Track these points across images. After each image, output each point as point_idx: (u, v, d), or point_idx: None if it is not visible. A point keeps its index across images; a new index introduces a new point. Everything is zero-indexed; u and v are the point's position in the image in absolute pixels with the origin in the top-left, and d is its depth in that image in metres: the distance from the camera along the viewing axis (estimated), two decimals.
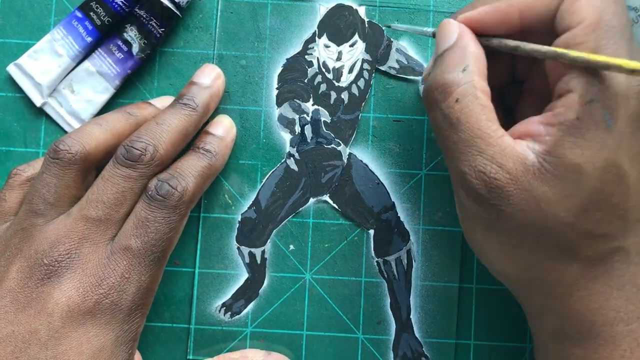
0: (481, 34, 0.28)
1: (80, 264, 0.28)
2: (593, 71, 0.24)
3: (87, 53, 0.35)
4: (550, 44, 0.26)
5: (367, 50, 0.36)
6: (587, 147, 0.24)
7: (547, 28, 0.27)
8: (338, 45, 0.36)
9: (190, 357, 0.34)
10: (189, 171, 0.30)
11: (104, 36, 0.35)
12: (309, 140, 0.35)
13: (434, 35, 0.30)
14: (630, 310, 0.26)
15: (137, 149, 0.29)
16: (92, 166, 0.30)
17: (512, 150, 0.25)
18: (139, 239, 0.28)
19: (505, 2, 0.27)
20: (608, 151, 0.24)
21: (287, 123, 0.35)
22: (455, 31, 0.28)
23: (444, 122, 0.27)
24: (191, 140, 0.32)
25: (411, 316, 0.35)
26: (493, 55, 0.28)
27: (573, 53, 0.25)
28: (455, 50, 0.27)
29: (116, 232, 0.29)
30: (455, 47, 0.27)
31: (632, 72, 0.23)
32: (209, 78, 0.33)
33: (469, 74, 0.26)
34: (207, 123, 0.34)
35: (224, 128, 0.34)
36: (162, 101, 0.34)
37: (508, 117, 0.32)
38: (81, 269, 0.27)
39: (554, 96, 0.26)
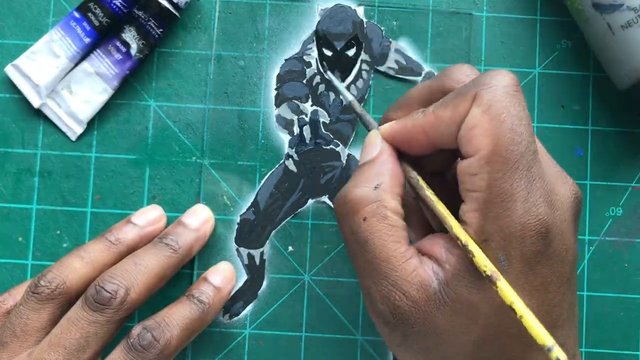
0: (398, 149, 0.28)
1: None
2: (488, 207, 0.24)
3: (85, 54, 0.35)
4: None
5: (365, 51, 0.35)
6: (482, 287, 0.24)
7: (456, 147, 0.25)
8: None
9: None
10: (177, 322, 0.29)
11: (102, 37, 0.35)
12: (307, 141, 0.35)
13: (348, 104, 0.30)
14: None
15: (107, 291, 0.28)
16: (71, 300, 0.29)
17: (416, 276, 0.25)
18: None
19: (411, 121, 0.27)
20: None
21: (286, 124, 0.35)
22: (377, 146, 0.27)
23: (352, 238, 0.26)
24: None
25: None
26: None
27: (455, 228, 0.24)
28: (373, 166, 0.27)
29: None
30: (373, 162, 0.27)
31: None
32: (198, 221, 0.33)
33: (380, 193, 0.26)
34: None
35: (223, 278, 0.33)
36: (145, 215, 0.33)
37: None
38: None
39: (460, 220, 0.25)
